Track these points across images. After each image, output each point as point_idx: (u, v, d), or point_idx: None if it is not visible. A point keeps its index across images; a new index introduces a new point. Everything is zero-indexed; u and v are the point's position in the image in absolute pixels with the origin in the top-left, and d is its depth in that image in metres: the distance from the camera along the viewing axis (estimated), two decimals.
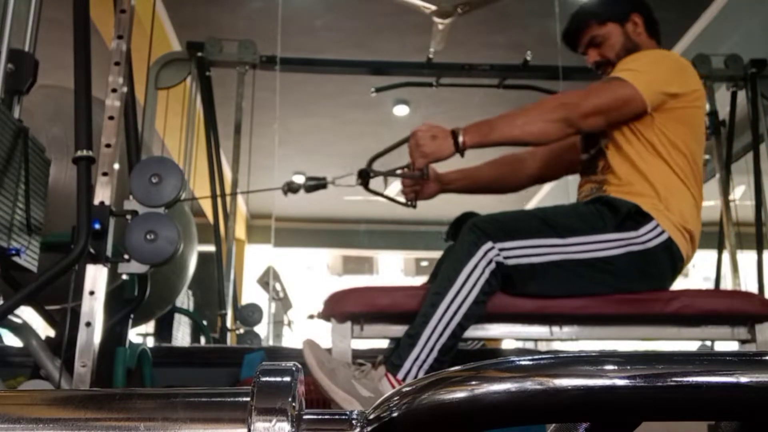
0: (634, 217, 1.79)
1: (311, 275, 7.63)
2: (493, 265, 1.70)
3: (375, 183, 2.04)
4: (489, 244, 1.71)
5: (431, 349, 1.66)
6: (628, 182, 1.87)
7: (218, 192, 3.75)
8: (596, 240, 1.76)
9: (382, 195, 2.08)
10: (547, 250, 1.74)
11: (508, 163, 2.23)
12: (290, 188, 2.03)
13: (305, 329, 5.02)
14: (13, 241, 1.44)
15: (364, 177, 1.99)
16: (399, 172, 1.97)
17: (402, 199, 2.09)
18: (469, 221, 1.77)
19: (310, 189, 2.02)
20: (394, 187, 2.09)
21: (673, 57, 1.97)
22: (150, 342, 4.02)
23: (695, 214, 1.87)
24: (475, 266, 1.69)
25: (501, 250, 1.71)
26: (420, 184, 2.04)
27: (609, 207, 1.80)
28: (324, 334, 1.95)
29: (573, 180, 2.18)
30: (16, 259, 1.45)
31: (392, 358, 1.68)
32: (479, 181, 2.22)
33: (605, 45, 1.99)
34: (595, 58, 2.02)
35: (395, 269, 8.51)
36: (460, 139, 1.82)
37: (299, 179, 2.06)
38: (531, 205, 6.33)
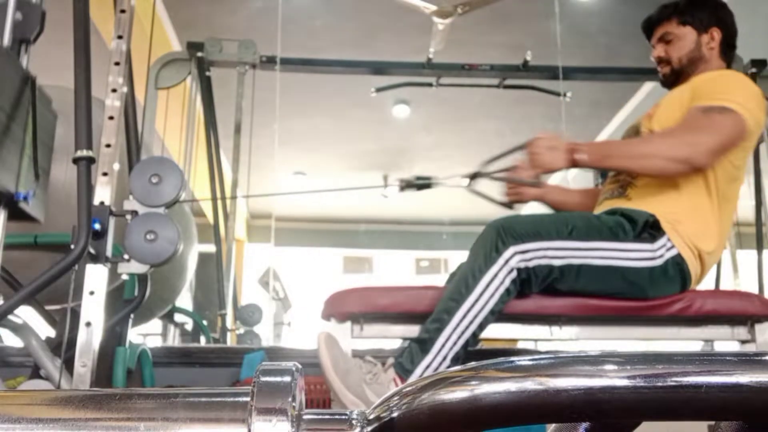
0: (649, 229, 1.78)
1: (311, 275, 7.63)
2: (514, 273, 1.68)
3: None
4: (511, 251, 1.68)
5: (444, 357, 1.64)
6: (652, 189, 1.85)
7: (218, 192, 3.75)
8: (617, 248, 1.75)
9: (484, 196, 2.09)
10: (568, 252, 1.73)
11: (593, 197, 2.19)
12: (408, 185, 2.04)
13: (304, 329, 5.02)
14: (21, 186, 1.44)
15: (475, 177, 2.00)
16: (511, 176, 1.99)
17: (502, 200, 2.11)
18: (491, 223, 1.75)
19: (420, 188, 2.05)
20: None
21: (757, 91, 1.90)
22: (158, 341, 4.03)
23: (712, 239, 1.83)
24: (495, 275, 1.67)
25: (523, 252, 1.69)
26: (524, 188, 2.05)
27: (626, 217, 1.79)
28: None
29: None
30: (23, 206, 1.45)
31: (403, 362, 1.66)
32: (568, 204, 2.19)
33: (674, 45, 1.97)
34: (660, 54, 2.00)
35: (395, 269, 8.51)
36: (578, 156, 1.80)
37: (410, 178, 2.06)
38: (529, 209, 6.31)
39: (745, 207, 3.96)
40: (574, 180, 3.89)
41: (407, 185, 2.04)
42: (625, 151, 1.84)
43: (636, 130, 1.97)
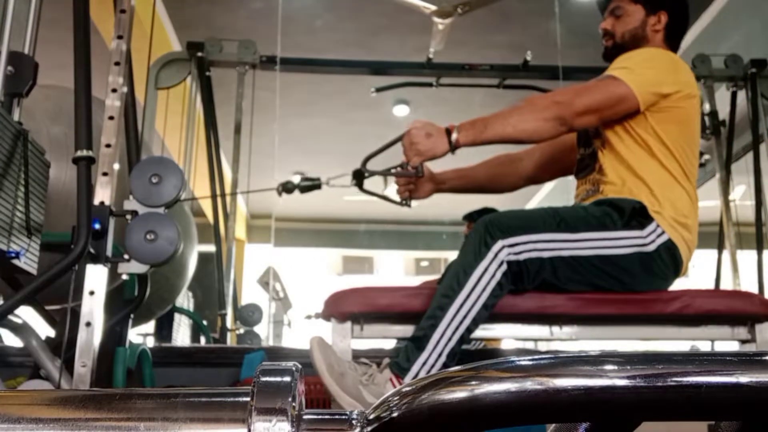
0: (637, 216, 1.80)
1: (311, 275, 7.63)
2: (504, 267, 1.69)
3: (372, 182, 2.04)
4: (499, 244, 1.69)
5: (440, 354, 1.65)
6: (622, 182, 1.88)
7: (218, 192, 3.75)
8: (606, 237, 1.77)
9: (376, 195, 2.08)
10: (557, 245, 1.74)
11: (504, 164, 2.23)
12: (285, 189, 2.02)
13: (305, 329, 5.02)
14: (13, 243, 1.44)
15: (359, 177, 1.98)
16: (393, 171, 1.97)
17: (397, 198, 2.08)
18: (480, 219, 1.76)
19: (304, 189, 2.02)
20: (393, 187, 2.08)
21: (666, 56, 1.97)
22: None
23: (691, 209, 1.87)
24: (486, 269, 1.68)
25: (512, 246, 1.70)
26: (414, 182, 2.04)
27: (613, 207, 1.81)
28: (323, 333, 1.95)
29: (573, 180, 2.18)
30: (15, 261, 1.45)
31: (399, 361, 1.66)
32: (474, 181, 2.22)
33: (621, 20, 2.01)
34: (606, 27, 2.04)
35: (395, 269, 8.51)
36: (454, 136, 1.82)
37: (296, 179, 2.05)
38: (531, 205, 6.32)
39: (745, 207, 3.96)
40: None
41: (293, 187, 2.02)
42: (501, 120, 1.84)
43: None
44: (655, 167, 1.86)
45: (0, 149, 1.41)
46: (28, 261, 1.51)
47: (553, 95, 1.88)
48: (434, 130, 1.84)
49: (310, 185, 2.02)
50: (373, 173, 1.98)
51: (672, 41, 2.02)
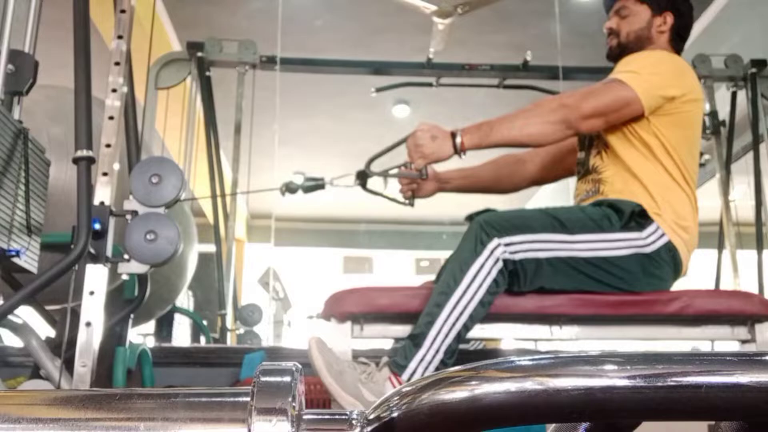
0: (637, 218, 1.80)
1: (311, 275, 7.63)
2: (500, 264, 1.70)
3: (373, 182, 2.04)
4: (495, 242, 1.70)
5: (437, 350, 1.66)
6: (623, 184, 1.88)
7: (218, 192, 3.75)
8: (603, 239, 1.77)
9: (380, 194, 2.08)
10: (554, 245, 1.74)
11: (508, 164, 2.24)
12: (288, 189, 2.03)
13: (304, 329, 5.03)
14: (13, 242, 1.44)
15: (363, 178, 1.99)
16: (396, 171, 1.98)
17: (400, 198, 2.09)
18: (477, 218, 1.77)
19: (308, 189, 2.03)
20: (394, 186, 2.09)
21: (672, 59, 1.97)
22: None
23: (690, 212, 1.87)
24: (482, 266, 1.69)
25: (508, 245, 1.70)
26: (417, 182, 2.05)
27: (613, 208, 1.81)
28: (322, 333, 1.95)
29: (573, 181, 2.18)
30: (15, 260, 1.45)
31: (396, 359, 1.67)
32: (478, 181, 2.23)
33: (626, 20, 2.01)
34: (611, 26, 2.04)
35: (395, 269, 8.50)
36: (459, 140, 1.82)
37: (298, 179, 2.06)
38: (530, 205, 6.32)
39: (745, 207, 3.96)
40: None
41: (296, 188, 2.02)
42: (507, 124, 1.85)
43: None
44: (656, 170, 1.87)
45: (0, 148, 1.41)
46: (29, 260, 1.51)
47: (559, 98, 1.89)
48: (440, 133, 1.84)
49: (314, 185, 2.03)
50: (377, 174, 1.98)
51: (677, 43, 2.02)
